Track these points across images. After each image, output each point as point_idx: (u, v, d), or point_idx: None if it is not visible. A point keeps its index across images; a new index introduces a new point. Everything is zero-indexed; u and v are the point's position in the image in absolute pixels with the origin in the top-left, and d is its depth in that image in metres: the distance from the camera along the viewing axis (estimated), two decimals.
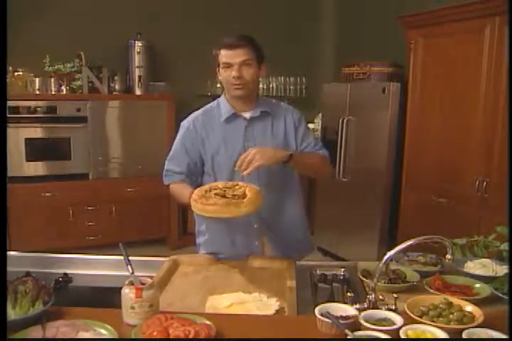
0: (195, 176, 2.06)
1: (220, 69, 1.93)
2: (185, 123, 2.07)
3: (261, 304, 1.52)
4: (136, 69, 4.76)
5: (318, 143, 2.14)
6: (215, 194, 1.66)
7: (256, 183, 1.97)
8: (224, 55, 1.89)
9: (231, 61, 1.87)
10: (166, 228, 4.86)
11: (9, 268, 1.40)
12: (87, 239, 4.54)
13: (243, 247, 2.05)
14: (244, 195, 1.65)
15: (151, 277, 1.46)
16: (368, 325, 1.25)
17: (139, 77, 4.76)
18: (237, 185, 1.74)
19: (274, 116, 2.05)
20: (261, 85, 5.19)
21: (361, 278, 1.71)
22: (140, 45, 4.73)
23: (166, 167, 2.08)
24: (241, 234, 2.03)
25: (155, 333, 1.19)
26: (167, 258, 1.94)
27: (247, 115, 2.01)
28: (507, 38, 2.88)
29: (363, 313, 1.32)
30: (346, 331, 1.21)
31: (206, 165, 2.03)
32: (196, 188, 1.83)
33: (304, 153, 2.04)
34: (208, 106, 2.10)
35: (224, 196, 1.65)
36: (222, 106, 2.03)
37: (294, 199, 2.12)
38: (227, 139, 2.00)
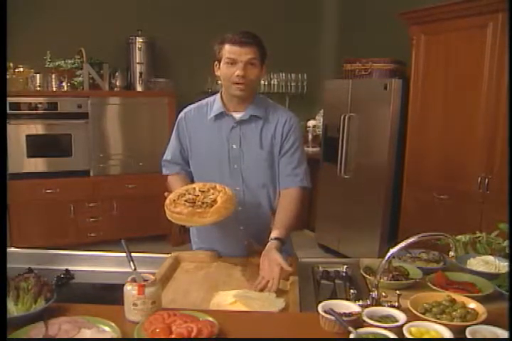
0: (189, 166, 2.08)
1: (222, 65, 1.85)
2: (180, 114, 2.08)
3: (267, 303, 1.51)
4: (137, 65, 4.75)
5: (299, 164, 1.98)
6: (186, 200, 1.64)
7: (241, 185, 1.95)
8: (230, 51, 1.81)
9: (237, 58, 1.80)
10: (167, 224, 4.77)
11: (11, 265, 1.40)
12: (87, 236, 4.55)
13: (230, 246, 2.01)
14: (213, 203, 1.62)
15: (152, 274, 1.46)
16: (371, 322, 1.25)
17: (140, 73, 4.76)
18: (214, 188, 1.70)
19: (266, 121, 1.95)
20: (262, 82, 5.18)
21: (364, 275, 1.70)
22: (141, 41, 4.73)
23: (164, 157, 2.11)
24: (227, 233, 1.99)
25: (158, 330, 1.19)
26: (169, 255, 1.94)
27: (237, 116, 1.95)
28: (507, 38, 2.86)
29: (365, 310, 1.31)
30: (349, 328, 1.21)
31: (191, 160, 2.05)
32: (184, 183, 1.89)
33: (285, 222, 1.87)
34: (204, 100, 2.06)
35: (194, 202, 1.63)
36: (215, 103, 1.98)
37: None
38: (212, 138, 1.96)
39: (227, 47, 1.82)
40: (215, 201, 1.62)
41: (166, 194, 1.80)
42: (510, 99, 2.86)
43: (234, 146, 1.94)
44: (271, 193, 2.01)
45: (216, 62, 1.90)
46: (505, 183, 2.96)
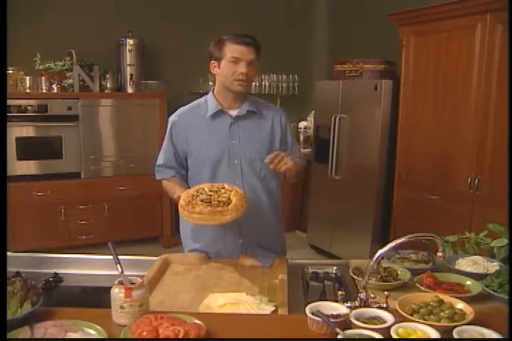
0: (185, 170, 2.08)
1: (224, 63, 1.92)
2: (171, 118, 2.09)
3: (257, 306, 1.50)
4: (128, 67, 4.73)
5: (300, 151, 2.26)
6: (201, 200, 1.66)
7: (239, 180, 1.97)
8: (235, 50, 1.89)
9: (242, 57, 1.89)
10: (158, 226, 4.84)
11: None
12: (79, 238, 4.52)
13: (225, 243, 2.02)
14: (229, 201, 1.66)
15: (141, 276, 1.45)
16: (359, 324, 1.25)
17: (131, 75, 4.73)
18: (223, 187, 1.74)
19: (261, 116, 2.06)
20: (253, 83, 5.17)
21: (353, 276, 1.70)
22: (131, 43, 4.70)
23: (157, 162, 2.11)
24: (223, 228, 1.98)
25: (144, 333, 1.18)
26: (158, 257, 1.93)
27: (233, 113, 2.01)
28: (507, 36, 2.87)
29: (354, 312, 1.31)
30: (337, 330, 1.21)
31: (189, 160, 2.05)
32: (184, 187, 1.90)
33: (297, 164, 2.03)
34: (195, 102, 2.10)
35: (210, 202, 1.65)
36: (210, 102, 2.03)
37: (274, 199, 2.10)
38: (212, 136, 2.00)
39: (231, 46, 1.90)
40: (229, 199, 1.67)
41: (175, 196, 1.83)
42: (510, 100, 2.83)
43: (234, 142, 1.99)
44: (272, 186, 2.06)
45: (213, 61, 1.97)
46: (495, 183, 3.00)
